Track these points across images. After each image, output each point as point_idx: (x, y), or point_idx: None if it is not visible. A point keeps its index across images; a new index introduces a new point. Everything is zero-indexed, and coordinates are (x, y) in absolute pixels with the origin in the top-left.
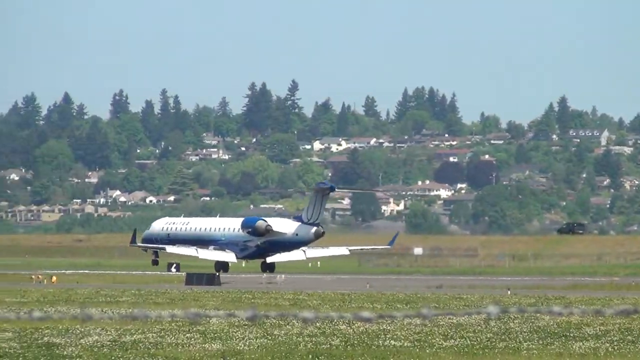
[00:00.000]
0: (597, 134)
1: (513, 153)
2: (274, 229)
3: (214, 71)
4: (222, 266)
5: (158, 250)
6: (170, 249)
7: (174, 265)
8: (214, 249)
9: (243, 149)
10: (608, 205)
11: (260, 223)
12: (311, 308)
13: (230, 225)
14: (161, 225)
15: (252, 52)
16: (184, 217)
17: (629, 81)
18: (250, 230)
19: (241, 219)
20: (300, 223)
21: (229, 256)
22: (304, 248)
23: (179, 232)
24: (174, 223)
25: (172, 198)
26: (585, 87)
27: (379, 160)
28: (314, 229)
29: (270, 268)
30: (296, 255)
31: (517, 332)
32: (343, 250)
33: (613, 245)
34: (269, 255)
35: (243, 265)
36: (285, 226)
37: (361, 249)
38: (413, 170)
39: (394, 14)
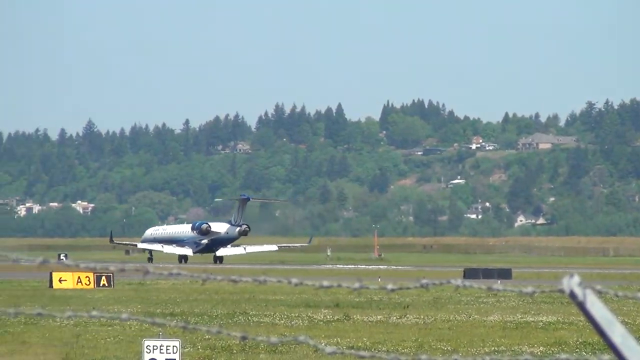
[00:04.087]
0: None
1: None
2: (212, 229)
3: None
4: (183, 258)
5: (152, 251)
6: (140, 245)
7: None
8: (176, 245)
9: None
10: None
11: (203, 225)
12: None
13: (190, 229)
14: (151, 231)
15: None
16: (165, 225)
17: None
18: (197, 230)
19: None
20: (230, 225)
21: (187, 251)
22: (244, 245)
23: (160, 236)
24: (157, 229)
25: None
26: None
27: None
28: (238, 228)
29: (220, 260)
30: (239, 250)
31: None
32: (273, 247)
33: None
34: (216, 250)
35: None
36: (220, 227)
37: (286, 246)
38: None
39: None
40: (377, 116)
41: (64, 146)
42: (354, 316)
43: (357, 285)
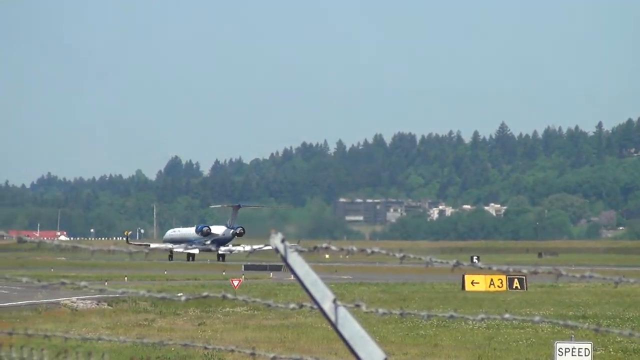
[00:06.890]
0: None
1: None
2: (212, 231)
3: None
4: (191, 256)
5: (172, 250)
6: (153, 245)
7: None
8: (186, 245)
9: None
10: None
11: (204, 228)
12: None
13: (194, 231)
14: (170, 233)
15: None
16: (180, 227)
17: None
18: (200, 232)
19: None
20: (226, 227)
21: (194, 250)
22: (243, 245)
23: (175, 237)
24: (174, 231)
25: None
26: None
27: None
28: (232, 230)
29: (222, 258)
30: (239, 248)
31: None
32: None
33: None
34: (217, 249)
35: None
36: (218, 229)
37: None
38: None
39: None
40: None
41: (477, 149)
42: None
43: None
